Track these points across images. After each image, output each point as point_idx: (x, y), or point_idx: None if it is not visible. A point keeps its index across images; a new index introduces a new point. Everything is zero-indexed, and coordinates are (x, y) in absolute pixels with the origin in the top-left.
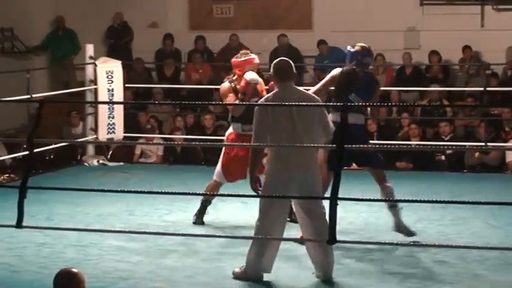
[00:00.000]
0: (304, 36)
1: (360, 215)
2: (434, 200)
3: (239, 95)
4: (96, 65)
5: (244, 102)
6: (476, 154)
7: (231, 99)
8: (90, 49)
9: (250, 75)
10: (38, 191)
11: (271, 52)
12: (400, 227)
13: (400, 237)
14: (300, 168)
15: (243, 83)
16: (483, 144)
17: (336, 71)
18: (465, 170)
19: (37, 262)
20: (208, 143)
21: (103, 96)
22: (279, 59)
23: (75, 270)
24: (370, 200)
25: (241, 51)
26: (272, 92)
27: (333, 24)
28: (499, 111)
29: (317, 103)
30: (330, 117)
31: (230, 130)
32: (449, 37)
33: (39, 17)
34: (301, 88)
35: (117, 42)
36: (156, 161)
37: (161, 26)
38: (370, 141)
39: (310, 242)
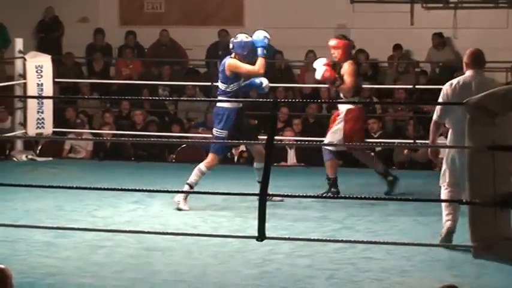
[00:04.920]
0: (235, 32)
1: (289, 211)
2: (363, 196)
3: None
4: (25, 60)
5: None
6: (405, 151)
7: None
8: (19, 43)
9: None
10: None
11: (211, 46)
12: None
13: (328, 234)
14: None
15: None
16: (412, 141)
17: None
18: (394, 167)
19: None
20: (138, 139)
21: (32, 90)
22: (474, 48)
23: (1, 265)
24: (299, 196)
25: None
26: (463, 76)
27: (264, 21)
28: (427, 109)
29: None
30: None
31: (349, 106)
32: (379, 35)
33: None
34: None
35: (48, 37)
36: (86, 157)
37: (92, 21)
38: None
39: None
